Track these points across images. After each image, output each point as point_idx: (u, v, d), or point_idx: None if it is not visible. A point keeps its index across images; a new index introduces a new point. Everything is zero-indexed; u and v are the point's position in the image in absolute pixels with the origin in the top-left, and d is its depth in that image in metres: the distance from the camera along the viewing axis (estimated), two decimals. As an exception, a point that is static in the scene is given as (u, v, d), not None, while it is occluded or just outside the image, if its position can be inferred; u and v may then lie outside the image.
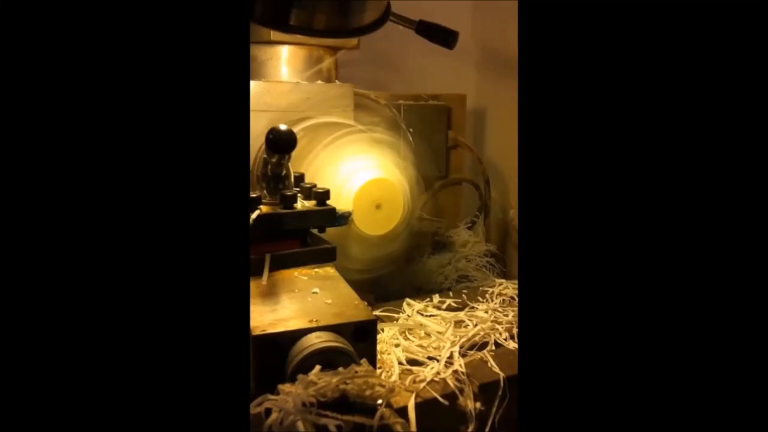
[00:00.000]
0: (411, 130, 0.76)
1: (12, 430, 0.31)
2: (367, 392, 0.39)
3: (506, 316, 0.62)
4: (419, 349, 0.54)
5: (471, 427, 0.49)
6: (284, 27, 0.53)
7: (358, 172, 0.63)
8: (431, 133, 0.84)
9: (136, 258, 0.33)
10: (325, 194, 0.56)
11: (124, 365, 0.32)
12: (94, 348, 0.32)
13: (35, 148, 0.32)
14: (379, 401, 0.38)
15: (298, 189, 0.57)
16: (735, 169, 0.32)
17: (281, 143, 0.48)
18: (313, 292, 0.50)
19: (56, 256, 0.32)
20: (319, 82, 0.71)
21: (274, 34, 0.67)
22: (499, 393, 0.50)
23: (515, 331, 0.59)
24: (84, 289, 0.32)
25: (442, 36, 0.75)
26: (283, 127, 0.49)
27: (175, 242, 0.33)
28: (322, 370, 0.39)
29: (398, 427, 0.37)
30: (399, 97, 0.81)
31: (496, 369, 0.52)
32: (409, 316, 0.61)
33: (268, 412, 0.35)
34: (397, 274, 0.75)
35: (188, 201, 0.34)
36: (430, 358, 0.53)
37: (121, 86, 0.33)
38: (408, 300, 0.64)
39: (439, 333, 0.57)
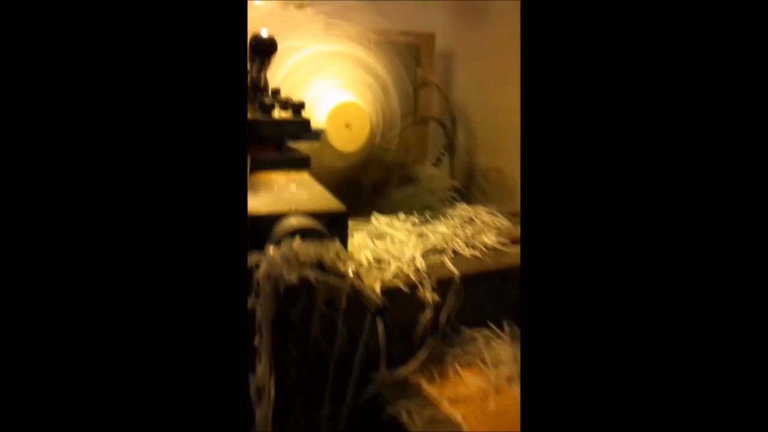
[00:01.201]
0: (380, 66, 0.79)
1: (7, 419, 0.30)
2: (340, 265, 0.44)
3: (466, 232, 0.68)
4: (385, 253, 0.59)
5: (429, 315, 0.54)
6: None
7: (329, 91, 0.67)
8: (399, 69, 0.86)
9: (132, 238, 0.32)
10: (301, 105, 0.59)
11: (120, 342, 0.31)
12: (90, 328, 0.31)
13: (31, 131, 0.31)
14: (351, 270, 0.43)
15: (275, 100, 0.60)
16: (741, 164, 0.31)
17: (264, 47, 0.51)
18: (291, 192, 0.54)
19: (51, 241, 0.31)
20: (291, 7, 0.73)
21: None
22: (455, 288, 0.56)
23: (473, 241, 0.65)
24: (79, 264, 0.31)
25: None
26: (264, 32, 0.52)
27: (172, 222, 0.32)
28: (300, 244, 0.43)
29: (368, 291, 0.42)
30: (368, 30, 0.83)
31: (453, 269, 0.58)
32: (376, 227, 0.66)
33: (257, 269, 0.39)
34: (363, 205, 0.79)
35: (184, 182, 0.32)
36: (395, 258, 0.58)
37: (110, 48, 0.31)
38: (375, 214, 0.69)
39: (402, 241, 0.62)
